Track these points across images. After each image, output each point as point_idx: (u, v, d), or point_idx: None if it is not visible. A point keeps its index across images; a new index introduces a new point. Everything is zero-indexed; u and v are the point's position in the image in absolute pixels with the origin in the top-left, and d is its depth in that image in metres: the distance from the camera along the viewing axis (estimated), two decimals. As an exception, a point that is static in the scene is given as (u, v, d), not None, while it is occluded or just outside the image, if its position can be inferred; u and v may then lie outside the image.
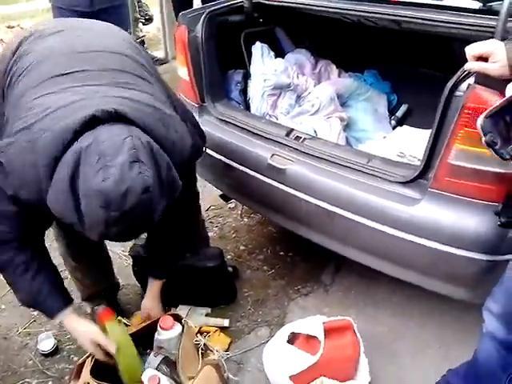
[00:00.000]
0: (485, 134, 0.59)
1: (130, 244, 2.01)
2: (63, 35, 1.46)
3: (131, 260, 2.08)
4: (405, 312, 1.98)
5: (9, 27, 5.27)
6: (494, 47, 1.19)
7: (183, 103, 1.88)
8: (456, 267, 1.48)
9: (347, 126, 2.24)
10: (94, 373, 1.44)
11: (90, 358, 1.49)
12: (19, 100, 1.29)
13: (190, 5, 3.98)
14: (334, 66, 2.46)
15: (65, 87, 1.25)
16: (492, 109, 0.57)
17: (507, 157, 0.60)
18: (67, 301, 1.51)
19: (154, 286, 1.74)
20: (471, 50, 1.22)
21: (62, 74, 1.29)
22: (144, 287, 1.96)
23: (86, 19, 1.76)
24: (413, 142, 1.87)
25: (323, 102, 2.15)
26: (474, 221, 1.39)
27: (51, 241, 1.83)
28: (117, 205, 1.04)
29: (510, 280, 1.22)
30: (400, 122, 2.34)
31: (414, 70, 2.38)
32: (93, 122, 1.13)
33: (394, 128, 2.29)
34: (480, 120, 0.57)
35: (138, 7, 4.82)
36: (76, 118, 1.13)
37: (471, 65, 1.22)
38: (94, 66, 1.34)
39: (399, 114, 2.37)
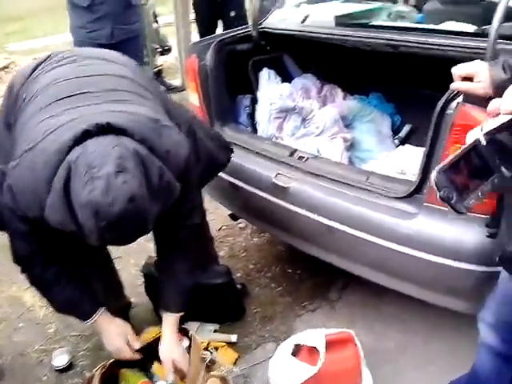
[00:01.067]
0: (440, 189, 0.58)
1: (143, 262, 2.09)
2: (72, 64, 1.55)
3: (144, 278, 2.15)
4: (411, 328, 1.99)
5: (35, 59, 5.54)
6: (477, 68, 1.26)
7: (202, 123, 1.97)
8: (453, 279, 1.52)
9: (352, 146, 2.31)
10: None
11: (99, 371, 1.57)
12: (26, 124, 1.38)
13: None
14: (339, 90, 2.55)
15: (66, 108, 1.33)
16: (446, 163, 0.57)
17: (464, 211, 0.60)
18: (98, 305, 1.59)
19: (170, 324, 1.64)
20: (457, 71, 1.28)
21: (65, 97, 1.37)
22: (156, 305, 2.03)
23: (97, 48, 1.88)
24: (413, 160, 1.92)
25: (327, 123, 2.23)
26: (468, 233, 1.43)
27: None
28: (104, 214, 1.10)
29: (502, 290, 1.25)
30: (403, 142, 2.39)
31: (417, 91, 2.44)
32: (85, 136, 1.19)
33: (397, 147, 2.35)
34: (434, 175, 0.57)
35: (157, 38, 5.05)
36: (70, 134, 1.20)
37: (457, 85, 1.28)
38: (95, 88, 1.41)
39: (402, 134, 2.43)
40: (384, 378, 1.75)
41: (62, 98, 1.37)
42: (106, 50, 1.80)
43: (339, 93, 2.54)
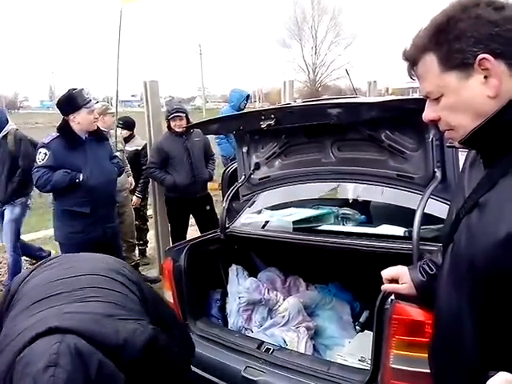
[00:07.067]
0: None
1: None
2: (54, 268, 1.70)
3: None
4: None
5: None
6: (400, 271, 1.55)
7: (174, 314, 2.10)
8: None
9: (317, 333, 2.48)
10: None
11: None
12: (6, 325, 1.50)
13: None
14: (301, 280, 2.82)
15: (38, 311, 1.46)
16: None
17: None
18: None
19: None
20: (384, 274, 1.57)
21: (38, 300, 1.51)
22: None
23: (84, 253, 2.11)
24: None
25: (292, 313, 2.43)
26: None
27: None
28: None
29: None
30: (364, 327, 2.58)
31: (371, 279, 2.73)
32: (36, 338, 1.30)
33: (358, 333, 2.52)
34: None
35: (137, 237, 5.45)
36: (26, 337, 1.32)
37: (385, 286, 1.56)
38: (66, 288, 1.56)
39: (362, 319, 2.63)
40: None
41: (36, 302, 1.52)
42: (91, 253, 2.04)
43: (302, 283, 2.81)
